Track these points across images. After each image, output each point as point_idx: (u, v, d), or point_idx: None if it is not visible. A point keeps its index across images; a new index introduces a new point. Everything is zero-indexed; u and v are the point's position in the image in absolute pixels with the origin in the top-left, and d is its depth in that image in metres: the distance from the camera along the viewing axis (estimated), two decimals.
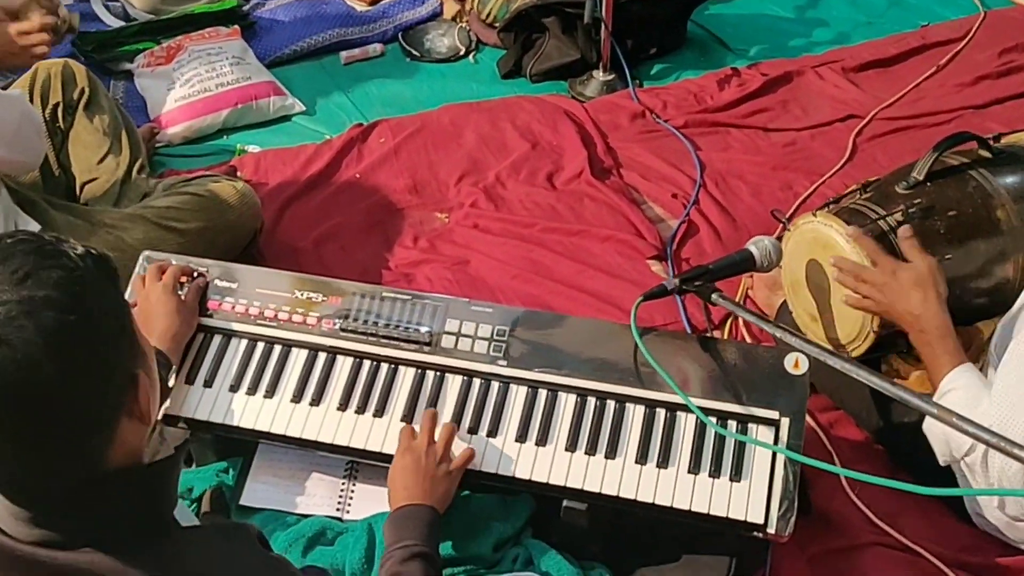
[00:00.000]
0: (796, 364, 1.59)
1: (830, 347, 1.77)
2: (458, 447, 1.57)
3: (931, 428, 1.56)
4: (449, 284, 2.24)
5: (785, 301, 1.91)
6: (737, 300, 2.19)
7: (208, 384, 1.67)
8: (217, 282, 1.75)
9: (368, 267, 2.29)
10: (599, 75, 2.95)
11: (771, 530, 1.51)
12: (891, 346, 1.78)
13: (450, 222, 2.45)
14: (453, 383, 1.65)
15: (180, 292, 1.71)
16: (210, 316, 1.73)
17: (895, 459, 1.84)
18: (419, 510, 1.43)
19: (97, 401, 0.91)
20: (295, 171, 2.59)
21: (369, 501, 1.65)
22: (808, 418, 1.90)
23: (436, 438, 1.55)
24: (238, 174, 2.55)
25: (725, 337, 2.09)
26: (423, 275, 2.27)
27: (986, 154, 1.77)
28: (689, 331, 2.11)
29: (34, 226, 1.99)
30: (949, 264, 1.66)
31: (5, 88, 2.42)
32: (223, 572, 0.95)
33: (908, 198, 1.69)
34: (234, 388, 1.67)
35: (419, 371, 1.66)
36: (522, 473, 1.56)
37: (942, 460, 1.55)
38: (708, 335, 1.94)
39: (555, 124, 2.71)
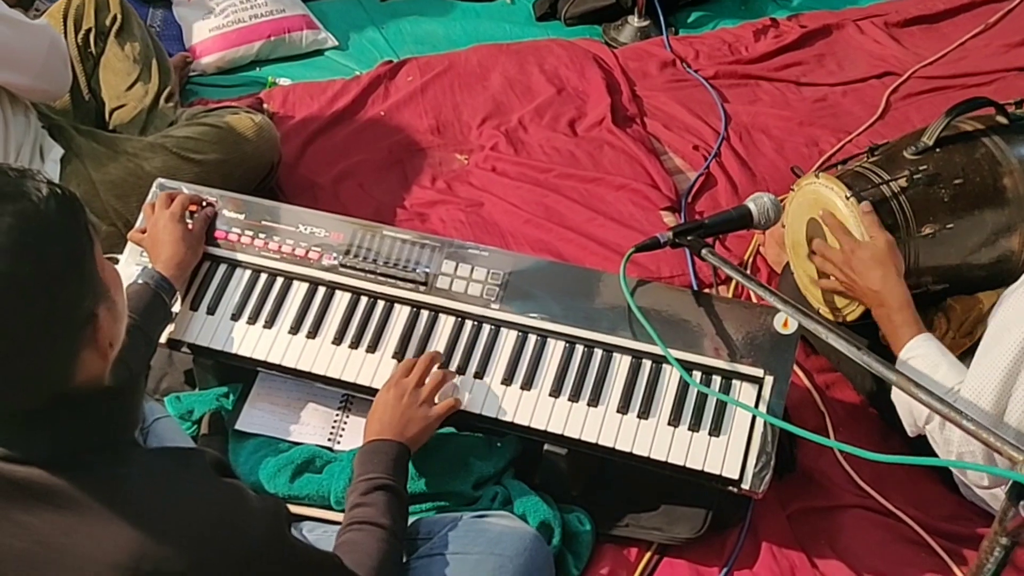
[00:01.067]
0: (785, 324, 1.60)
1: (827, 308, 1.77)
2: (451, 393, 1.60)
3: (898, 397, 1.56)
4: (461, 226, 2.26)
5: None
6: (747, 258, 2.19)
7: (211, 311, 1.73)
8: (225, 212, 1.80)
9: (384, 205, 2.32)
10: (634, 21, 2.91)
11: (745, 486, 1.53)
12: None
13: (469, 164, 2.46)
14: (445, 324, 1.68)
15: (188, 221, 1.75)
16: (217, 246, 1.77)
17: (887, 423, 1.84)
18: (388, 445, 1.46)
19: (49, 340, 0.95)
20: (321, 106, 2.61)
21: (360, 434, 1.68)
22: (804, 378, 1.92)
23: (426, 381, 1.58)
24: (265, 106, 2.58)
25: (730, 294, 2.08)
26: (437, 216, 2.30)
27: (1003, 120, 1.73)
28: (696, 286, 2.11)
29: (58, 151, 2.05)
30: (951, 233, 1.64)
31: (40, 14, 2.48)
32: (166, 497, 1.00)
33: (915, 163, 1.67)
34: (235, 317, 1.72)
35: (414, 310, 1.70)
36: (505, 415, 1.60)
37: (909, 431, 1.55)
38: (705, 291, 1.94)
39: (583, 70, 2.69)
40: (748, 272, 2.15)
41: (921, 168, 1.65)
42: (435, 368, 1.60)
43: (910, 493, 1.76)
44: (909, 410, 1.55)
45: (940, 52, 2.77)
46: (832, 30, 2.85)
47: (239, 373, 1.76)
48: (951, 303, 1.70)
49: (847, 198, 1.63)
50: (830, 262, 1.65)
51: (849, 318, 1.72)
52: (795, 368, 1.92)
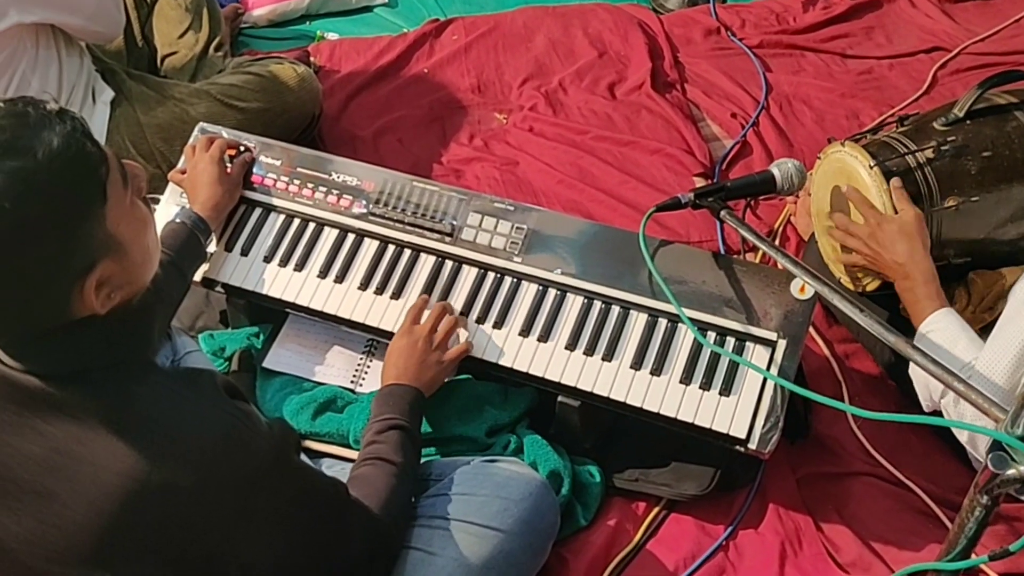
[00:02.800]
0: (802, 289, 1.61)
1: (848, 278, 1.78)
2: (462, 338, 1.64)
3: (915, 372, 1.56)
4: (495, 184, 2.29)
5: None
6: (777, 227, 2.19)
7: (245, 253, 1.79)
8: (262, 158, 1.85)
9: (421, 160, 2.36)
10: None
11: (752, 446, 1.55)
12: None
13: (508, 123, 2.49)
14: (468, 274, 1.73)
15: (228, 165, 1.81)
16: (253, 190, 1.83)
17: (905, 395, 1.84)
18: (404, 389, 1.52)
19: (34, 289, 0.99)
20: (367, 61, 2.65)
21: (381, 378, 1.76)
22: (824, 347, 1.93)
23: (439, 327, 1.63)
24: (312, 60, 2.63)
25: (757, 261, 2.09)
26: (472, 173, 2.33)
27: None
28: (723, 252, 2.12)
29: (109, 93, 2.12)
30: (976, 206, 1.63)
31: None
32: (176, 414, 1.05)
33: (943, 135, 1.66)
34: (268, 259, 1.78)
35: (438, 260, 1.74)
36: (520, 365, 1.64)
37: (925, 405, 1.56)
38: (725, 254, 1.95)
39: (626, 34, 2.69)
40: (777, 242, 2.15)
41: (949, 140, 1.64)
42: (448, 316, 1.65)
43: (922, 465, 1.76)
44: (926, 384, 1.55)
45: (993, 28, 2.72)
46: (883, 3, 2.81)
47: (269, 314, 1.82)
48: (973, 277, 1.70)
49: (871, 167, 1.63)
50: (854, 236, 1.64)
51: (869, 288, 1.73)
52: (815, 337, 1.94)
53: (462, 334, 1.66)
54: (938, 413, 1.58)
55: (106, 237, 1.02)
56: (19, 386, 1.03)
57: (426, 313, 1.65)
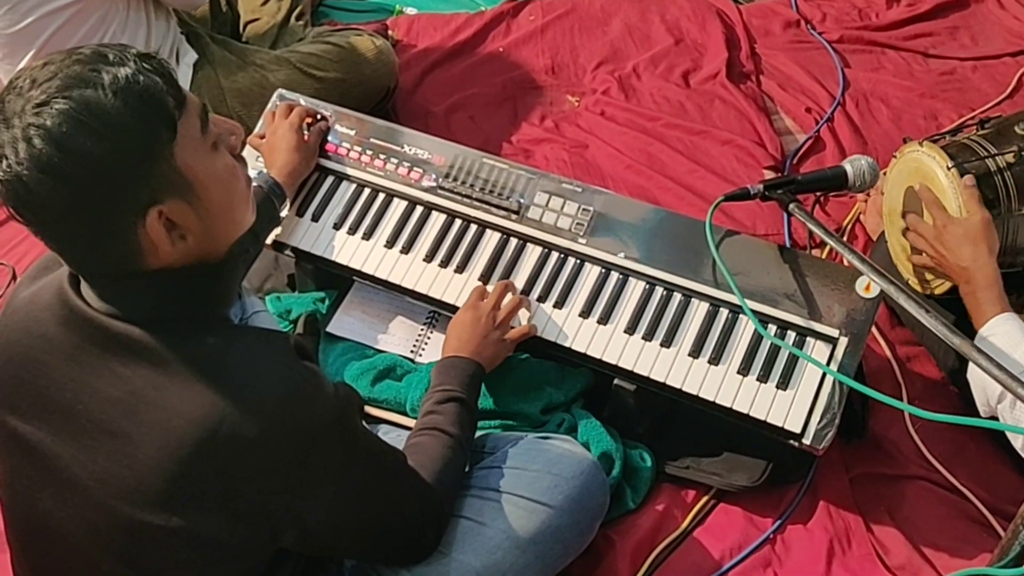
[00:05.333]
0: (867, 288, 1.60)
1: (916, 280, 1.75)
2: (524, 320, 1.66)
3: (973, 375, 1.54)
4: (564, 165, 2.30)
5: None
6: (846, 224, 2.17)
7: (315, 219, 1.83)
8: (338, 127, 1.89)
9: (491, 139, 2.38)
10: None
11: (807, 441, 1.54)
12: None
13: (580, 106, 2.50)
14: (532, 252, 1.74)
15: (304, 132, 1.85)
16: (327, 158, 1.87)
17: (967, 403, 1.81)
18: (464, 362, 1.54)
19: (96, 221, 1.01)
20: (443, 37, 2.68)
21: (441, 349, 1.78)
22: (886, 348, 1.91)
23: (502, 305, 1.65)
24: (389, 33, 2.67)
25: (823, 257, 2.07)
26: (541, 153, 2.35)
27: None
28: (789, 245, 2.10)
29: (192, 56, 2.18)
30: None
31: None
32: (248, 368, 1.08)
33: None
34: (337, 226, 1.82)
35: (504, 236, 1.76)
36: (579, 346, 1.65)
37: (982, 410, 1.54)
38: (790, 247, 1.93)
39: (704, 22, 2.68)
40: (844, 239, 2.13)
41: None
42: (511, 295, 1.67)
43: (979, 473, 1.74)
44: (983, 388, 1.53)
45: None
46: (970, 3, 2.75)
47: (336, 280, 1.86)
48: None
49: (948, 168, 1.61)
50: (922, 237, 1.63)
51: (937, 291, 1.71)
52: (878, 338, 1.92)
53: (524, 316, 1.67)
54: (995, 418, 1.56)
55: (174, 175, 1.03)
56: (101, 328, 1.07)
57: (490, 288, 1.68)
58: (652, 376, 1.62)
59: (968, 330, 1.74)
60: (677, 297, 1.67)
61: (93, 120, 0.98)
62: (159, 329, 1.07)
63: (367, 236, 1.80)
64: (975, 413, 1.73)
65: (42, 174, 0.97)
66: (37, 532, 1.18)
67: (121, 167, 1.00)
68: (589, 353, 1.65)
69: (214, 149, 1.09)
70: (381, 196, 1.83)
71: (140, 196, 1.02)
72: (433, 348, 1.80)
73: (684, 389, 1.60)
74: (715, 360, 1.61)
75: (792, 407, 1.56)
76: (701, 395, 1.60)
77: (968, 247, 1.55)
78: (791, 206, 1.56)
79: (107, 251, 1.04)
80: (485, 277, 1.73)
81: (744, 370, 1.60)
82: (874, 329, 1.90)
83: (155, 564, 1.11)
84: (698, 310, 1.66)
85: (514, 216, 1.76)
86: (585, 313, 1.68)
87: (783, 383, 1.58)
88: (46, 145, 0.96)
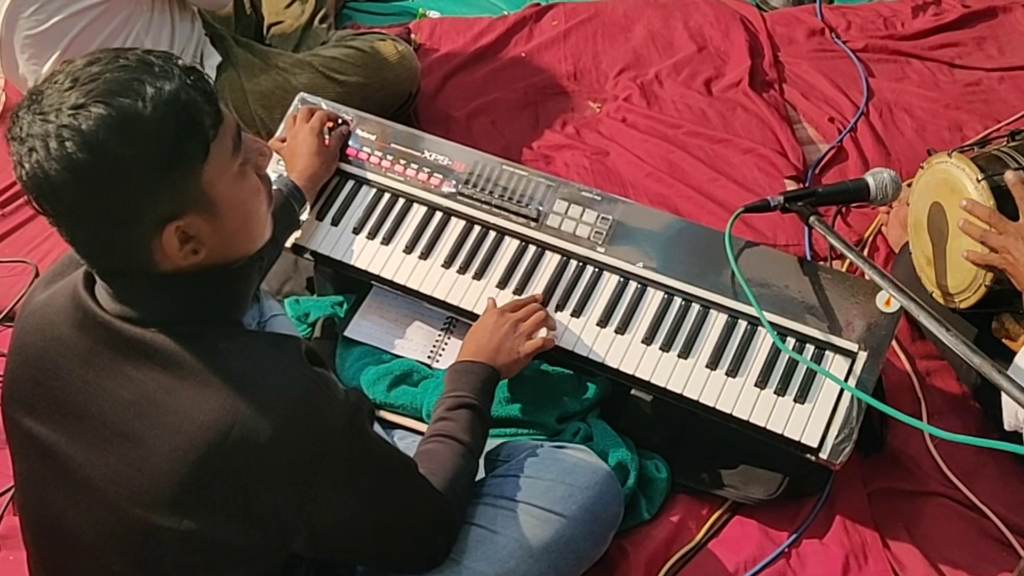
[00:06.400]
0: (888, 302, 1.58)
1: (940, 293, 1.74)
2: (541, 333, 1.64)
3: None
4: (584, 172, 2.30)
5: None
6: (867, 236, 2.15)
7: (335, 223, 1.83)
8: (359, 132, 1.89)
9: (512, 144, 2.38)
10: None
11: (824, 455, 1.53)
12: (1006, 303, 1.72)
13: (601, 113, 2.49)
14: (551, 260, 1.74)
15: (326, 136, 1.85)
16: (348, 162, 1.87)
17: (990, 419, 1.80)
18: (479, 367, 1.53)
19: (119, 228, 1.02)
20: (466, 42, 2.68)
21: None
22: (907, 363, 1.89)
23: (527, 316, 1.63)
24: (412, 37, 2.67)
25: (844, 270, 2.06)
26: (562, 160, 2.34)
27: None
28: (809, 258, 2.09)
29: (216, 58, 2.19)
30: None
31: None
32: (259, 373, 1.08)
33: None
34: (357, 231, 1.82)
35: (522, 244, 1.76)
36: (596, 356, 1.65)
37: (1007, 424, 1.52)
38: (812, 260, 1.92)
39: (727, 30, 2.66)
40: (866, 252, 2.11)
41: None
42: (540, 312, 1.65)
43: (999, 491, 1.72)
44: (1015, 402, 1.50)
45: None
46: (998, 12, 2.73)
47: (354, 284, 1.86)
48: None
49: (978, 180, 1.59)
50: (1004, 234, 1.54)
51: (963, 305, 1.69)
52: (898, 351, 1.91)
53: (544, 330, 1.66)
54: (1018, 433, 1.54)
55: (198, 193, 1.04)
56: (115, 332, 1.08)
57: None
58: (669, 387, 1.61)
59: (991, 344, 1.72)
60: (696, 308, 1.66)
61: (128, 130, 0.98)
62: (171, 333, 1.08)
63: (386, 241, 1.80)
64: (998, 429, 1.72)
65: (68, 173, 0.98)
66: (50, 532, 1.19)
67: (148, 180, 1.00)
68: (606, 363, 1.64)
69: (242, 170, 1.10)
70: (401, 201, 1.83)
71: (162, 209, 1.03)
72: (450, 354, 1.80)
73: (701, 401, 1.59)
74: (733, 372, 1.60)
75: (809, 421, 1.55)
76: (718, 407, 1.59)
77: None
78: (811, 219, 1.55)
79: (120, 251, 1.05)
80: (503, 284, 1.73)
81: (762, 383, 1.59)
82: (894, 342, 1.88)
83: (166, 566, 1.12)
84: (716, 322, 1.65)
85: (533, 224, 1.75)
86: (603, 323, 1.67)
87: (801, 397, 1.57)
88: (77, 148, 0.97)
